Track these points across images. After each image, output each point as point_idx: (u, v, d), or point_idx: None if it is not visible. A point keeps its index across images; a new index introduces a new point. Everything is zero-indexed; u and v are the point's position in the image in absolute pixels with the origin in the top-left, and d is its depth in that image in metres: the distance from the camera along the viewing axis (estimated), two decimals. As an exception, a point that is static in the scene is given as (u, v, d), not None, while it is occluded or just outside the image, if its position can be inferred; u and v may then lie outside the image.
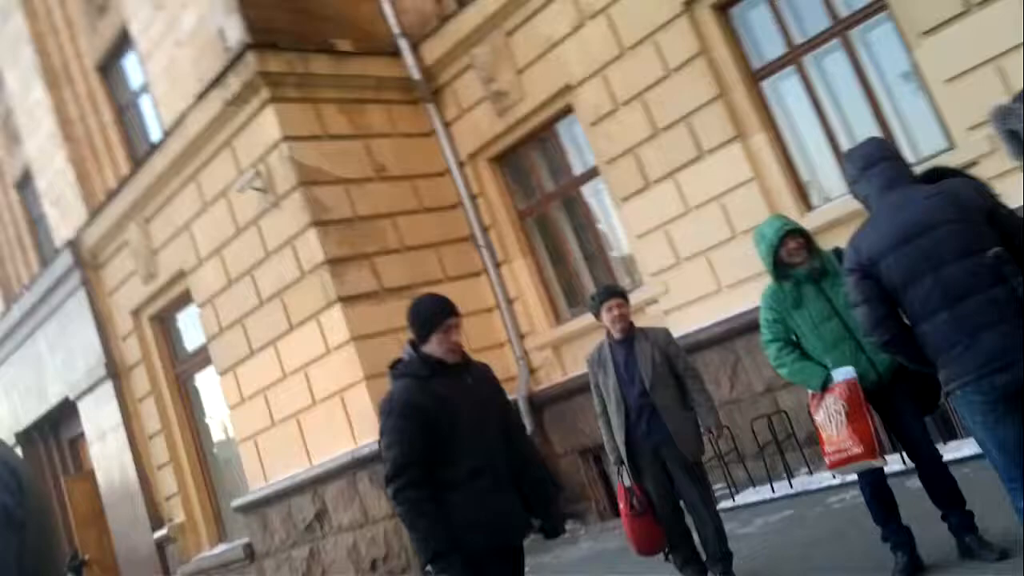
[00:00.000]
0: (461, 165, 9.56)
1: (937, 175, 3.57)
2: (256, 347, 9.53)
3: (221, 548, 10.68)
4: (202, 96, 9.27)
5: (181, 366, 11.31)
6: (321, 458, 8.85)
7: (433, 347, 3.29)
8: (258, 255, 9.28)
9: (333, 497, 8.79)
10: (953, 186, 3.09)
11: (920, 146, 6.84)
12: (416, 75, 9.57)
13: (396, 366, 3.37)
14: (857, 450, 3.98)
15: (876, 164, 3.13)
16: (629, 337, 4.99)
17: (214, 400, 10.79)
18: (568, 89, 8.53)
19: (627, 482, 4.99)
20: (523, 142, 9.29)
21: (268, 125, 8.86)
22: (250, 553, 9.92)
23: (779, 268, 4.22)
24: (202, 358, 10.72)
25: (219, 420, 11.09)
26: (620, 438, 4.92)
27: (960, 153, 6.20)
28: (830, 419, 4.08)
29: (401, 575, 8.32)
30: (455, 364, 3.32)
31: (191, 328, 10.93)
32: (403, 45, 9.57)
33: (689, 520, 5.01)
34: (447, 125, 9.61)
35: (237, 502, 10.01)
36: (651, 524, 4.94)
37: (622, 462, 4.99)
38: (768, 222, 4.42)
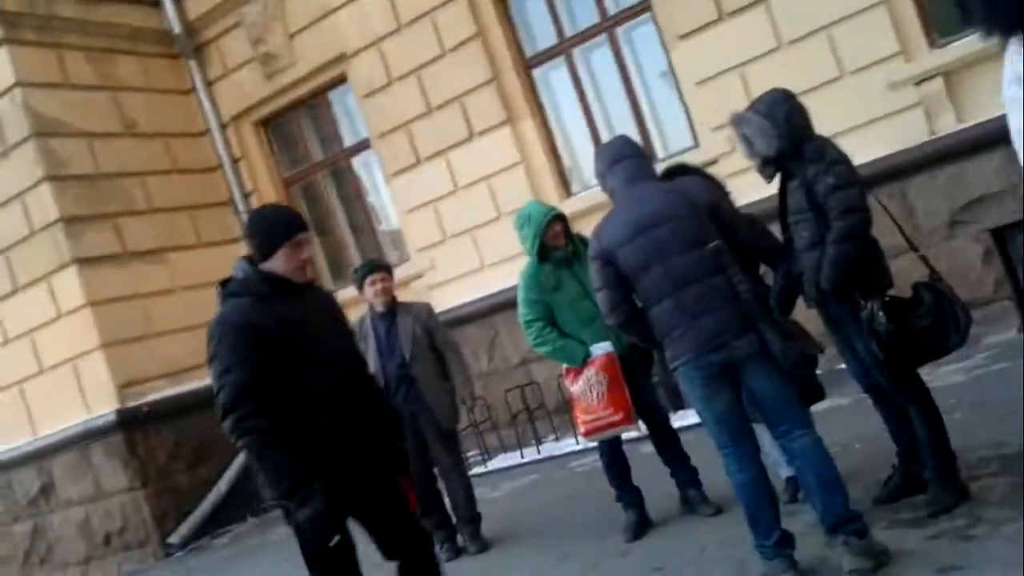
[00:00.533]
0: (223, 127, 9.13)
1: (677, 172, 3.94)
2: (-27, 309, 8.58)
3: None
4: (-78, 28, 8.22)
5: None
6: (48, 429, 8.15)
7: (278, 264, 2.91)
8: (-20, 208, 8.37)
9: (61, 470, 8.14)
10: (686, 184, 3.50)
11: (670, 143, 7.41)
12: (177, 28, 9.02)
13: (227, 284, 2.96)
14: (616, 417, 4.29)
15: (622, 160, 3.35)
16: (391, 311, 5.07)
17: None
18: (343, 58, 8.40)
19: None
20: (292, 108, 9.02)
21: (1, 68, 8.04)
22: (-39, 529, 8.93)
23: (542, 251, 4.43)
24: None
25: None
26: None
27: (704, 151, 6.77)
28: (591, 389, 4.34)
29: (139, 548, 7.86)
30: (299, 285, 2.96)
31: None
32: (165, -5, 8.98)
33: (441, 486, 5.13)
34: (209, 84, 9.14)
35: (-53, 473, 8.93)
36: (407, 489, 4.99)
37: None
38: (534, 206, 4.66)
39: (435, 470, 5.13)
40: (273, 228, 2.95)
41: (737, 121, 3.54)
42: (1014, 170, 5.25)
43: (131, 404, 7.89)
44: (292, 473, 2.75)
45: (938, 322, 3.34)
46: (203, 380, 8.30)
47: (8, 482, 8.50)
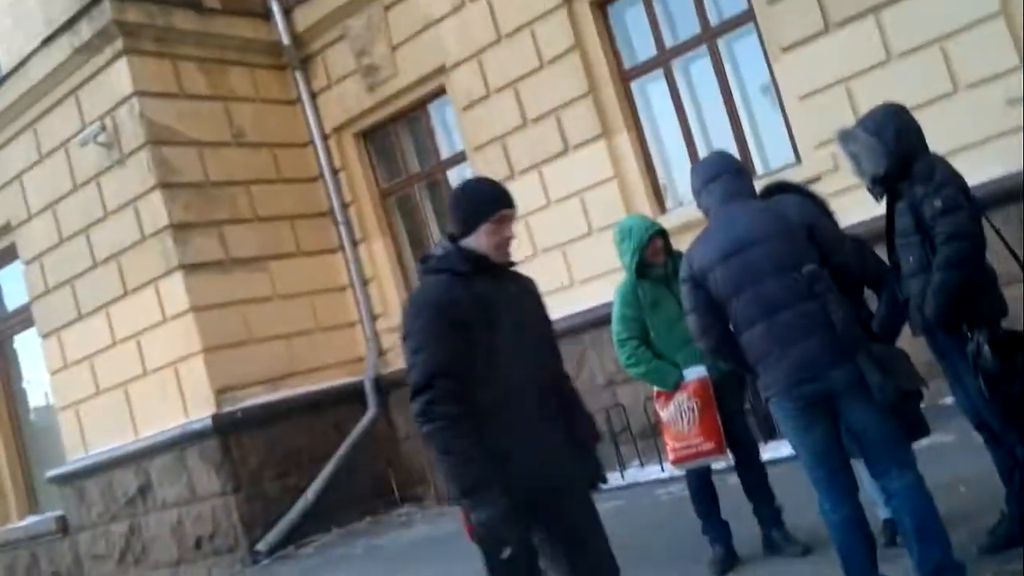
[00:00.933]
0: (325, 137, 9.29)
1: (776, 190, 3.75)
2: (85, 311, 8.97)
3: (32, 519, 10.01)
4: (49, 40, 8.67)
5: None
6: (149, 431, 8.41)
7: (479, 240, 2.72)
8: (95, 214, 8.76)
9: (159, 471, 8.37)
10: (782, 203, 3.32)
11: (770, 159, 7.12)
12: (286, 40, 9.23)
13: (427, 260, 2.81)
14: (708, 446, 4.16)
15: (718, 178, 3.24)
16: None
17: (34, 364, 10.06)
18: (442, 70, 8.43)
19: None
20: (392, 119, 9.12)
21: (120, 78, 8.39)
22: (63, 526, 9.34)
23: (640, 267, 4.30)
24: (24, 318, 9.99)
25: (38, 385, 10.36)
26: None
27: (806, 168, 6.47)
28: (682, 415, 4.22)
29: (227, 554, 8.01)
30: (500, 265, 2.77)
31: (14, 285, 10.16)
32: (275, 8, 9.20)
33: None
34: (314, 95, 9.32)
35: (53, 472, 9.38)
36: None
37: None
38: (635, 220, 4.55)
39: None
40: (476, 203, 2.77)
41: (844, 137, 3.40)
42: None
43: (227, 409, 8.06)
44: (474, 471, 2.53)
45: None
46: (296, 388, 8.56)
47: (109, 481, 8.78)
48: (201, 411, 8.09)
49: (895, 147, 3.23)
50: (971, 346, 3.12)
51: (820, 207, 3.66)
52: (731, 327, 3.19)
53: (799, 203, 3.40)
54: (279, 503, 8.15)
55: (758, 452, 4.40)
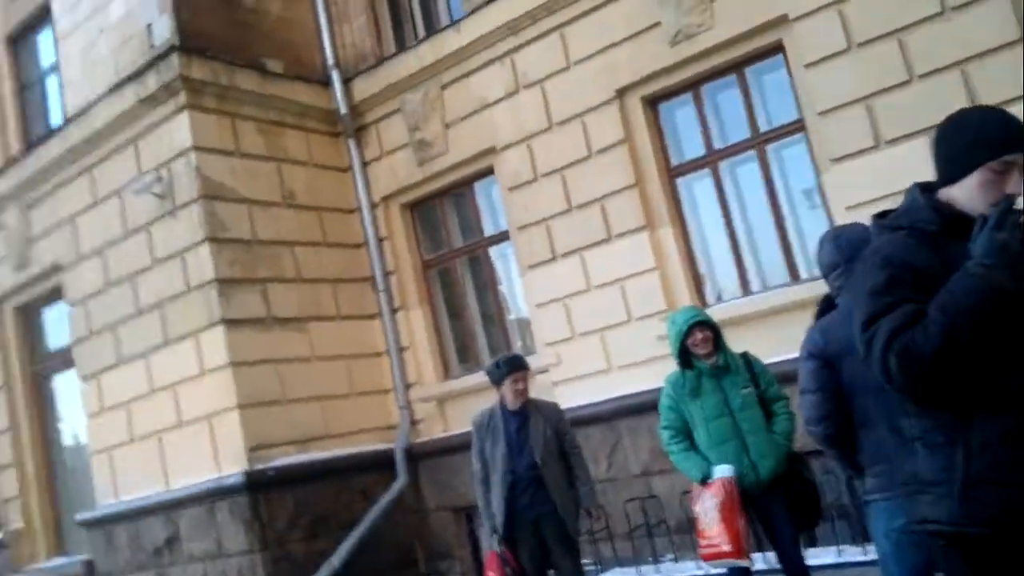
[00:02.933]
0: (373, 206, 9.51)
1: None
2: (126, 357, 9.11)
3: (58, 561, 10.02)
4: (116, 88, 8.96)
5: (40, 364, 10.64)
6: (180, 482, 8.48)
7: (968, 192, 2.03)
8: (144, 262, 8.94)
9: (188, 524, 8.40)
10: None
11: (815, 266, 7.22)
12: (343, 109, 9.52)
13: (885, 215, 2.25)
14: (727, 548, 4.17)
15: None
16: (524, 410, 5.06)
17: (71, 405, 10.16)
18: (492, 151, 8.67)
19: (497, 547, 5.01)
20: (439, 194, 9.35)
21: (179, 131, 8.63)
22: (90, 571, 9.34)
23: (684, 356, 4.38)
24: (64, 359, 10.11)
25: (73, 427, 10.47)
26: (501, 507, 4.93)
27: (849, 277, 6.59)
28: (706, 513, 4.26)
29: (248, 613, 8.03)
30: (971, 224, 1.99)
31: (57, 326, 10.33)
32: (335, 77, 9.52)
33: None
34: (365, 164, 9.58)
35: (82, 516, 9.45)
36: None
37: (495, 531, 5.00)
38: (682, 310, 4.65)
39: None
40: (974, 137, 2.03)
41: None
42: None
43: (259, 467, 8.12)
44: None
45: None
46: (327, 451, 8.64)
47: (137, 530, 8.81)
48: (233, 466, 8.16)
49: None
50: None
51: None
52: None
53: None
54: (305, 567, 8.14)
55: (806, 571, 4.36)
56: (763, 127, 7.42)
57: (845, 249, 3.08)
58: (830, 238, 3.20)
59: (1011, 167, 1.98)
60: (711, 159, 7.67)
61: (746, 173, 7.59)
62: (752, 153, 7.47)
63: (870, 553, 5.44)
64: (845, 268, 3.02)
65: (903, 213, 2.16)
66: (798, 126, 7.14)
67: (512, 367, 5.11)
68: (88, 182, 9.47)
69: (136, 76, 8.74)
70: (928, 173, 5.66)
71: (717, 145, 7.65)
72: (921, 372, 1.89)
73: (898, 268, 2.01)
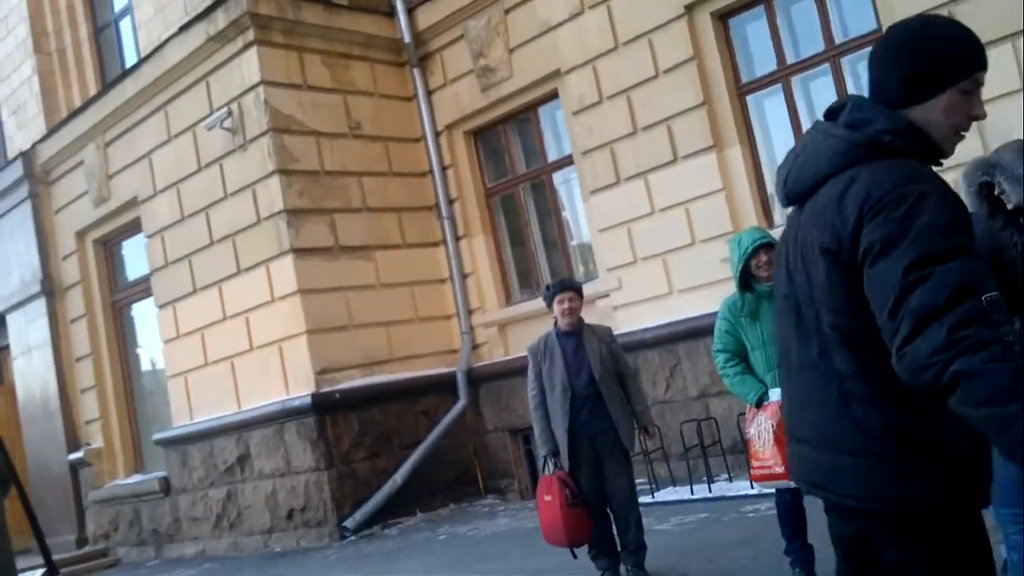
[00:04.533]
0: (437, 134, 9.50)
1: None
2: (200, 286, 9.41)
3: (137, 478, 10.53)
4: (186, 27, 9.12)
5: (120, 294, 11.07)
6: (250, 404, 8.76)
7: (933, 114, 1.78)
8: (216, 195, 9.16)
9: (257, 443, 8.70)
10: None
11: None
12: (407, 38, 9.48)
13: (861, 126, 1.82)
14: (779, 469, 4.05)
15: None
16: (577, 330, 5.07)
17: (148, 332, 10.59)
18: (556, 75, 8.52)
19: (552, 471, 5.00)
20: (503, 120, 9.26)
21: (248, 66, 8.75)
22: (166, 487, 9.79)
23: (745, 277, 4.25)
24: (142, 289, 10.52)
25: (150, 352, 10.92)
26: (564, 425, 4.93)
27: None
28: (759, 435, 4.16)
29: (316, 527, 8.28)
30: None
31: (135, 257, 10.72)
32: (399, 6, 9.47)
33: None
34: (430, 93, 9.54)
35: (159, 435, 9.88)
36: (583, 515, 4.95)
37: (556, 453, 4.99)
38: (749, 230, 4.48)
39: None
40: (948, 54, 1.78)
41: (987, 165, 3.17)
42: None
43: (325, 389, 8.32)
44: None
45: None
46: (391, 374, 8.78)
47: (210, 449, 9.17)
48: (301, 389, 8.37)
49: None
50: None
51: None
52: None
53: (986, 229, 2.91)
54: (368, 483, 8.37)
55: None
56: (839, 38, 7.07)
57: None
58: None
59: (978, 86, 1.78)
60: (783, 74, 7.37)
61: (820, 88, 7.27)
62: (827, 67, 7.14)
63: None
64: None
65: (903, 134, 1.78)
66: (876, 35, 6.78)
67: (559, 288, 5.13)
68: (162, 119, 9.71)
69: (205, 14, 8.88)
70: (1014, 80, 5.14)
71: (790, 59, 7.33)
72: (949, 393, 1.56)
73: (958, 207, 1.67)
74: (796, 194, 1.93)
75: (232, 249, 9.04)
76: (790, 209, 1.98)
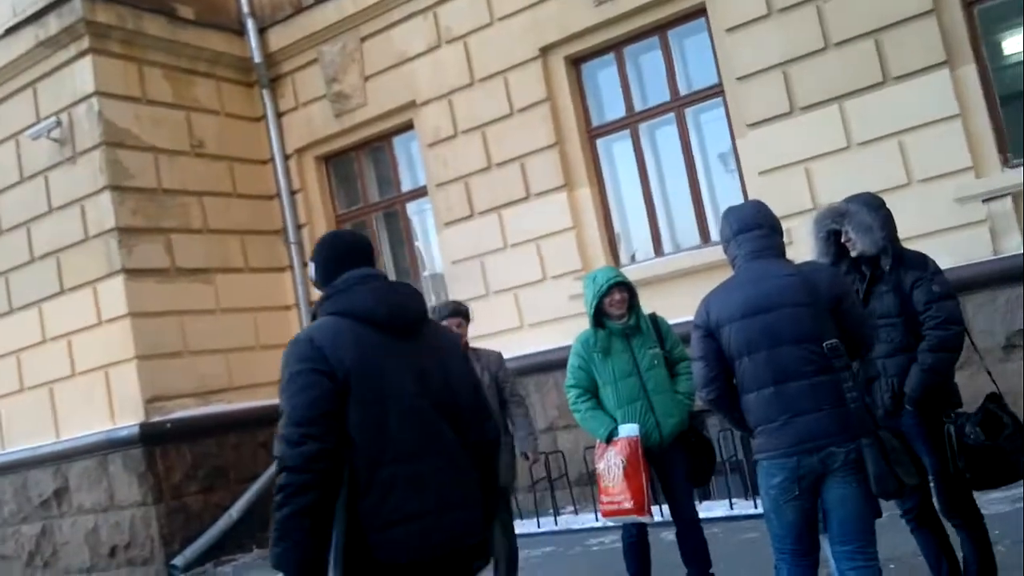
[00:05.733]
0: (287, 157, 9.28)
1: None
2: (17, 305, 8.76)
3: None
4: (12, 30, 8.54)
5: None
6: (71, 433, 8.19)
7: None
8: (40, 208, 8.59)
9: (78, 475, 8.13)
10: (811, 269, 3.16)
11: (725, 228, 7.35)
12: (257, 58, 9.23)
13: None
14: (628, 504, 4.18)
15: (749, 231, 3.11)
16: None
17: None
18: (412, 105, 8.52)
19: None
20: (356, 147, 9.15)
21: (82, 75, 8.30)
22: (-27, 522, 8.97)
23: (599, 315, 4.35)
24: (-49, 306, 9.61)
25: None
26: None
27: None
28: (609, 471, 4.26)
29: (142, 566, 7.80)
30: None
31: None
32: (250, 25, 9.22)
33: None
34: (280, 115, 9.32)
35: (-34, 464, 9.01)
36: None
37: None
38: (602, 269, 4.63)
39: None
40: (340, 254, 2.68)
41: (834, 214, 3.47)
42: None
43: (155, 419, 7.90)
44: None
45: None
46: (229, 404, 8.42)
47: (23, 482, 8.51)
48: (128, 418, 7.91)
49: (887, 231, 3.42)
50: (954, 426, 3.28)
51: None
52: (735, 383, 3.11)
53: (832, 273, 3.22)
54: (201, 519, 7.97)
55: (699, 524, 4.39)
56: (683, 91, 7.47)
57: (734, 225, 3.18)
58: (725, 215, 3.29)
59: None
60: (631, 120, 7.69)
61: (664, 135, 7.64)
62: (671, 116, 7.52)
63: (760, 507, 5.57)
64: (733, 240, 3.16)
65: None
66: (717, 90, 7.21)
67: (447, 313, 4.88)
68: (-19, 124, 9.01)
69: (36, 18, 8.36)
70: (839, 140, 5.77)
71: (638, 107, 7.67)
72: None
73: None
74: None
75: (56, 267, 8.49)
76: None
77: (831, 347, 2.91)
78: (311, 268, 2.69)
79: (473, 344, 5.09)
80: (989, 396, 3.41)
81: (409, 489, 2.32)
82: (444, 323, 4.82)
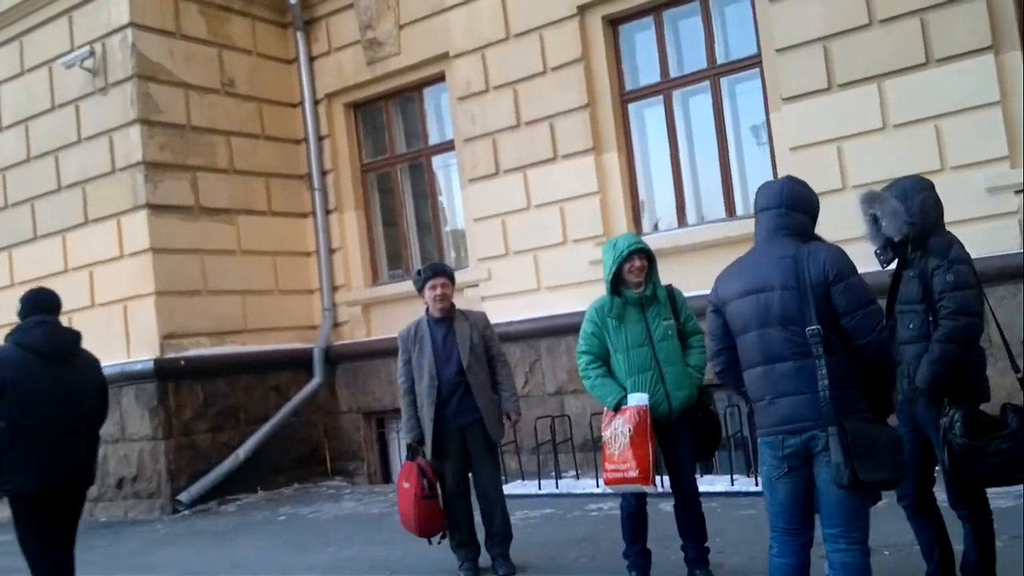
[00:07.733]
0: (316, 102, 9.22)
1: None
2: (42, 233, 8.84)
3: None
4: (50, -46, 8.50)
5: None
6: (86, 363, 8.22)
7: None
8: (69, 137, 8.62)
9: (90, 405, 8.18)
10: (809, 251, 3.05)
11: (751, 202, 7.21)
12: (293, -1, 9.15)
13: None
14: (633, 474, 4.14)
15: (768, 209, 3.11)
16: (449, 317, 5.00)
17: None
18: (445, 57, 8.41)
19: (414, 460, 4.94)
20: (386, 96, 9.08)
21: (118, 6, 8.28)
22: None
23: (616, 281, 4.30)
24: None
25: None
26: (430, 415, 4.86)
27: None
28: (615, 439, 4.21)
29: (148, 499, 7.93)
30: None
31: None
32: (287, -36, 9.14)
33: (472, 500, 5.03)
34: (312, 58, 9.25)
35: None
36: (437, 507, 4.95)
37: (420, 441, 4.93)
38: (624, 236, 4.53)
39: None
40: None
41: (869, 199, 3.48)
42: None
43: (170, 355, 7.97)
44: None
45: (1013, 449, 3.19)
46: (243, 345, 8.47)
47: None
48: (144, 353, 7.99)
49: (919, 218, 3.35)
50: (945, 420, 3.23)
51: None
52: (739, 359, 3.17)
53: (828, 257, 3.03)
54: (208, 457, 8.07)
55: (698, 499, 4.39)
56: (720, 59, 7.28)
57: (760, 201, 3.18)
58: (759, 190, 3.26)
59: None
60: (665, 87, 7.54)
61: (697, 104, 7.48)
62: (706, 84, 7.34)
63: (760, 485, 5.54)
64: (756, 215, 3.17)
65: None
66: (755, 61, 7.03)
67: (431, 273, 5.02)
68: (15, 50, 9.04)
69: (73, -56, 8.29)
70: (874, 120, 5.65)
71: (673, 73, 7.50)
72: None
73: None
74: None
75: (82, 197, 8.53)
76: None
77: (812, 332, 2.93)
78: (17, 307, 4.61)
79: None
80: (1015, 404, 3.34)
81: (40, 448, 4.35)
82: (429, 283, 4.90)
